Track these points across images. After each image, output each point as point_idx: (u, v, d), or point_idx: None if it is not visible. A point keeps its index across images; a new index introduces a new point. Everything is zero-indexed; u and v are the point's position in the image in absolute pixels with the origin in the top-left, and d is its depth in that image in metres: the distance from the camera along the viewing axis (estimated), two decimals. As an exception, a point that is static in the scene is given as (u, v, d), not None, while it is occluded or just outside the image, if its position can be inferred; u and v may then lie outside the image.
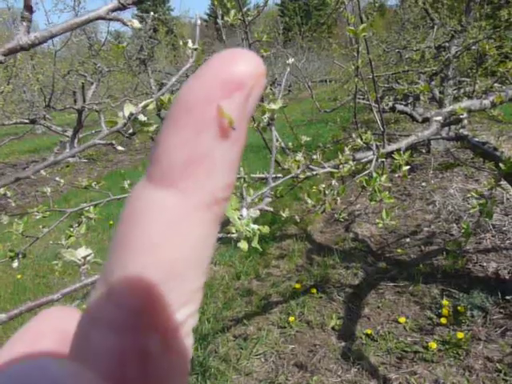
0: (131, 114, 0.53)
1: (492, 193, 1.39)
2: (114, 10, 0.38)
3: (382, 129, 1.40)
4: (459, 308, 2.16)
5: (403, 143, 1.51)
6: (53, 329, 0.17)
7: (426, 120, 2.09)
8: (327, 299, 2.48)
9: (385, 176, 1.19)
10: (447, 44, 4.26)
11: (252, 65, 0.14)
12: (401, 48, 5.11)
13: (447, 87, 4.31)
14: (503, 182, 1.42)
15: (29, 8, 0.37)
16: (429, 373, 1.83)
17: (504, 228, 2.91)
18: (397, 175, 1.30)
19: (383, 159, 1.34)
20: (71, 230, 1.19)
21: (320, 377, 1.88)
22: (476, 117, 5.32)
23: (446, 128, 2.07)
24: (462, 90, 4.18)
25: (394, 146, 1.48)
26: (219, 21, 1.08)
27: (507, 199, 3.32)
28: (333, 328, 2.21)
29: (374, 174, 1.18)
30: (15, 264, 1.02)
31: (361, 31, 1.01)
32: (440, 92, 4.38)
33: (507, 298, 2.20)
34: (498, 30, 3.63)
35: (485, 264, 2.57)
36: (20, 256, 1.03)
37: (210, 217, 0.14)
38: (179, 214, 0.14)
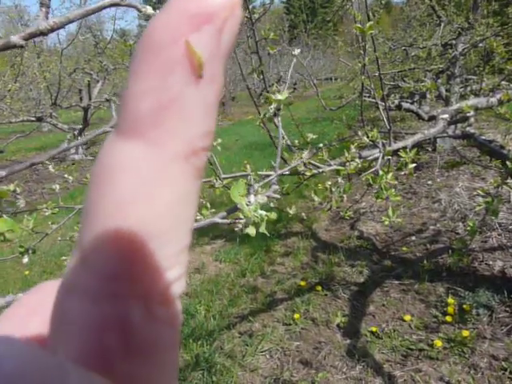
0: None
1: (498, 191, 1.39)
2: None
3: (388, 127, 1.40)
4: (465, 306, 2.16)
5: (409, 141, 1.51)
6: (45, 304, 0.15)
7: (432, 118, 2.09)
8: (332, 297, 2.49)
9: (391, 174, 1.20)
10: (454, 41, 4.24)
11: None
12: (407, 45, 5.10)
13: (454, 85, 4.29)
14: (510, 181, 1.41)
15: None
16: (434, 370, 1.84)
17: (510, 226, 2.90)
18: (403, 173, 1.30)
19: (389, 157, 1.34)
20: (79, 226, 1.20)
21: (325, 374, 1.88)
22: (483, 115, 5.29)
23: (453, 126, 2.07)
24: (468, 88, 4.16)
25: (400, 144, 1.48)
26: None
27: (514, 198, 3.30)
28: (338, 325, 2.22)
29: (380, 172, 1.18)
30: (25, 260, 1.04)
31: (368, 29, 1.01)
32: (446, 90, 4.36)
33: (513, 296, 2.19)
34: (505, 27, 3.61)
35: (491, 262, 2.56)
36: (30, 252, 1.05)
37: (188, 169, 0.13)
38: (153, 167, 0.12)
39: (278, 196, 0.73)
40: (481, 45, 3.76)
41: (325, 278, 2.68)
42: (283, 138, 0.94)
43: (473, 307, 2.16)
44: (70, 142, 0.62)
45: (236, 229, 0.92)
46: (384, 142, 1.38)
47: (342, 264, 2.84)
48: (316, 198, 1.13)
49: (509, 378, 1.74)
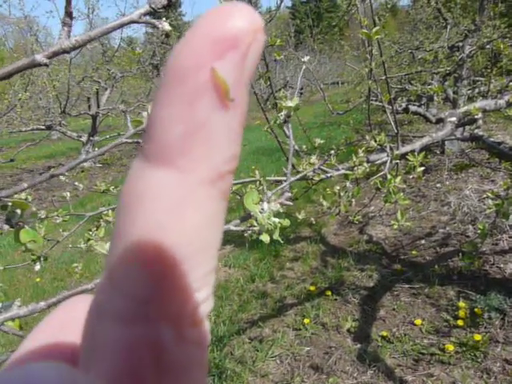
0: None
1: (508, 193, 1.38)
2: (145, 14, 0.40)
3: (395, 130, 1.40)
4: (476, 310, 2.14)
5: (417, 144, 1.51)
6: (76, 319, 0.16)
7: (440, 120, 2.08)
8: (342, 301, 2.48)
9: (399, 177, 1.20)
10: (461, 44, 4.22)
11: (247, 19, 0.12)
12: (413, 48, 5.09)
13: (461, 87, 4.27)
14: (520, 182, 1.41)
15: (69, 14, 0.39)
16: (446, 375, 1.82)
17: (521, 229, 2.87)
18: (411, 177, 1.30)
19: (397, 161, 1.34)
20: (90, 233, 1.22)
21: (336, 379, 1.87)
22: (491, 116, 5.25)
23: (461, 128, 2.06)
24: (476, 90, 4.14)
25: (408, 148, 1.48)
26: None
27: (524, 200, 3.27)
28: (348, 330, 2.21)
29: (389, 176, 1.18)
30: (37, 267, 1.05)
31: (374, 34, 1.02)
32: (454, 92, 4.34)
33: (525, 299, 2.17)
34: (512, 29, 3.59)
35: (502, 265, 2.54)
36: (42, 259, 1.06)
37: (215, 193, 0.13)
38: (181, 194, 0.12)
39: (291, 203, 0.74)
40: (488, 46, 3.74)
41: (334, 283, 2.67)
42: (293, 145, 0.95)
43: (484, 311, 2.13)
44: (87, 154, 0.63)
45: (246, 234, 0.93)
46: (392, 145, 1.38)
47: (352, 268, 2.83)
48: (324, 203, 1.13)
49: (523, 382, 1.72)
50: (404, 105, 3.00)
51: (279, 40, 1.27)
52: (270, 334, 2.26)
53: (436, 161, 4.86)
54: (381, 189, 1.16)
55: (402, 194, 1.14)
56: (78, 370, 0.12)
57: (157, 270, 0.12)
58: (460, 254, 2.69)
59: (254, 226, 0.64)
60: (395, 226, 1.18)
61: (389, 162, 1.28)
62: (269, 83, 1.33)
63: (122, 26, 0.40)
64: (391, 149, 1.35)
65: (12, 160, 3.98)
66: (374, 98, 2.88)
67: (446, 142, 4.70)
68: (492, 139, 1.92)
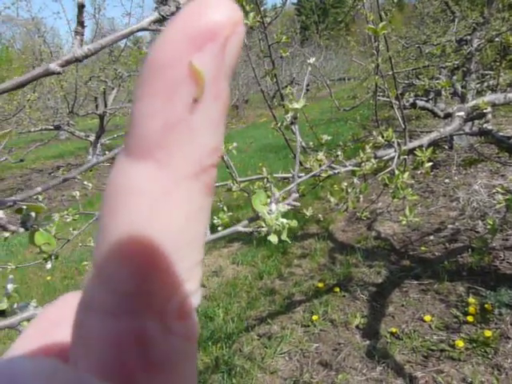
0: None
1: (518, 188, 1.36)
2: (155, 22, 0.40)
3: (403, 126, 1.39)
4: (486, 306, 2.12)
5: (425, 140, 1.50)
6: (68, 316, 0.15)
7: (448, 115, 2.07)
8: (351, 298, 2.48)
9: (407, 173, 1.19)
10: (469, 37, 4.17)
11: (225, 12, 0.12)
12: (421, 43, 5.04)
13: (470, 81, 4.23)
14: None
15: (81, 24, 0.40)
16: (456, 371, 1.81)
17: (532, 224, 2.85)
18: (419, 172, 1.29)
19: (405, 156, 1.33)
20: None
21: (345, 375, 1.88)
22: (501, 110, 5.20)
23: (470, 123, 2.04)
24: (485, 84, 4.10)
25: (415, 143, 1.47)
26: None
27: (534, 194, 3.24)
28: (357, 326, 2.21)
29: (396, 172, 1.18)
30: (48, 265, 1.06)
31: (380, 29, 1.01)
32: (462, 86, 4.30)
33: (536, 295, 2.15)
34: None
35: (512, 261, 2.52)
36: (53, 258, 1.07)
37: (198, 187, 0.13)
38: (164, 188, 0.12)
39: (298, 204, 0.74)
40: (497, 39, 3.70)
41: (343, 279, 2.67)
42: (300, 142, 0.95)
43: (495, 307, 2.12)
44: (97, 157, 0.64)
45: (254, 234, 0.93)
46: (399, 141, 1.38)
47: (360, 265, 2.82)
48: (332, 199, 1.13)
49: (534, 378, 1.71)
50: (411, 100, 2.98)
51: (285, 37, 1.27)
52: (278, 330, 2.26)
53: (444, 156, 4.82)
54: (388, 185, 1.16)
55: (410, 189, 1.13)
56: (66, 364, 0.12)
57: (141, 264, 0.12)
58: (470, 250, 2.67)
59: (263, 227, 0.64)
60: (404, 222, 1.18)
61: (396, 157, 1.28)
62: (275, 80, 1.33)
63: (132, 33, 0.41)
64: (399, 144, 1.34)
65: (22, 160, 4.03)
66: (381, 94, 2.86)
67: (455, 137, 4.67)
68: (501, 133, 1.90)
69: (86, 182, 1.24)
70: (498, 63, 3.35)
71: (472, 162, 3.33)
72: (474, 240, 2.67)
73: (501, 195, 1.45)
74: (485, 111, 1.75)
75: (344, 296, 2.50)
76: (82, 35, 0.41)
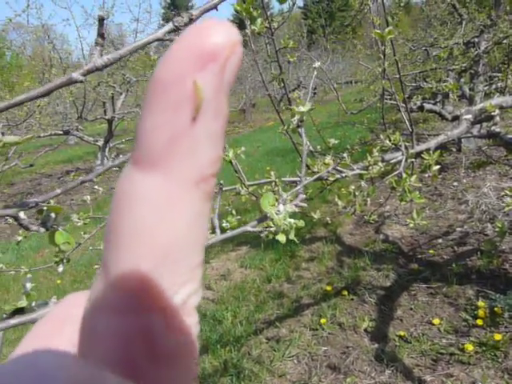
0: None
1: (526, 190, 1.36)
2: (169, 32, 0.42)
3: (410, 129, 1.40)
4: (496, 309, 2.11)
5: (432, 143, 1.50)
6: (75, 315, 0.16)
7: (456, 118, 2.06)
8: (359, 301, 2.47)
9: (414, 176, 1.20)
10: (476, 39, 4.16)
11: (225, 35, 0.13)
12: (428, 46, 5.03)
13: (477, 84, 4.22)
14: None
15: (101, 35, 0.42)
16: (466, 375, 1.80)
17: (541, 226, 2.82)
18: (427, 175, 1.29)
19: (412, 159, 1.33)
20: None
21: (354, 378, 1.87)
22: (509, 113, 5.16)
23: (478, 125, 2.03)
24: (493, 86, 4.08)
25: (423, 146, 1.47)
26: (247, 30, 1.12)
27: (544, 197, 3.21)
28: (365, 330, 2.20)
29: (404, 175, 1.18)
30: (60, 268, 1.08)
31: (387, 34, 1.02)
32: (470, 89, 4.28)
33: (547, 298, 2.13)
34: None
35: (522, 264, 2.50)
36: (64, 261, 1.09)
37: (199, 194, 0.14)
38: (167, 195, 0.13)
39: (305, 205, 0.75)
40: (504, 42, 3.69)
41: (351, 283, 2.66)
42: (306, 145, 0.96)
43: (505, 310, 2.10)
44: (114, 161, 0.66)
45: (262, 235, 0.94)
46: (407, 144, 1.38)
47: (368, 268, 2.81)
48: (340, 203, 1.14)
49: (545, 382, 1.69)
50: (419, 103, 2.98)
51: (292, 42, 1.28)
52: (286, 334, 2.27)
53: (453, 159, 4.80)
54: (396, 188, 1.16)
55: (417, 192, 1.14)
56: (87, 362, 0.13)
57: (146, 266, 0.13)
58: (479, 253, 2.65)
59: (271, 227, 0.66)
60: (411, 225, 1.18)
61: (404, 160, 1.28)
62: (282, 85, 1.34)
63: (147, 43, 0.43)
64: (406, 147, 1.34)
65: (31, 165, 4.07)
66: (388, 97, 2.86)
67: (463, 140, 4.64)
68: (510, 136, 1.90)
69: (96, 187, 1.26)
70: (505, 65, 3.33)
71: (480, 165, 3.32)
72: (482, 243, 2.66)
73: (510, 198, 1.45)
74: (493, 114, 1.75)
75: (352, 299, 2.49)
76: (102, 46, 0.43)
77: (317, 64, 1.10)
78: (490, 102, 1.77)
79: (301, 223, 0.66)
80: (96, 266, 1.48)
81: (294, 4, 1.16)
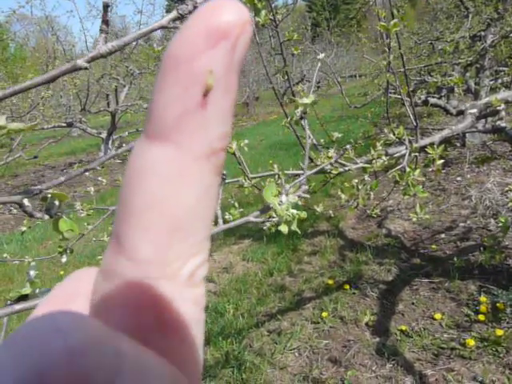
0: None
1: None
2: (174, 20, 0.42)
3: (414, 123, 1.39)
4: (498, 305, 2.11)
5: (437, 137, 1.49)
6: (82, 291, 0.16)
7: (461, 113, 2.05)
8: (360, 295, 2.48)
9: (418, 170, 1.19)
10: (483, 33, 4.12)
11: (236, 14, 0.14)
12: (433, 39, 4.99)
13: (483, 78, 4.18)
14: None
15: (106, 22, 0.42)
16: (467, 370, 1.81)
17: (545, 222, 2.81)
18: (430, 169, 1.29)
19: (416, 154, 1.33)
20: (115, 219, 1.25)
21: (354, 372, 1.88)
22: (514, 108, 5.12)
23: (483, 120, 2.02)
24: (499, 81, 4.05)
25: (427, 141, 1.46)
26: (252, 22, 1.11)
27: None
28: (366, 324, 2.21)
29: (407, 169, 1.18)
30: (64, 259, 1.08)
31: (392, 27, 1.01)
32: (475, 83, 4.25)
33: (549, 294, 2.13)
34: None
35: (525, 259, 2.49)
36: (68, 251, 1.09)
37: (209, 167, 0.14)
38: (178, 167, 0.14)
39: (308, 196, 0.75)
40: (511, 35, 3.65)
41: (352, 277, 2.67)
42: (309, 137, 0.95)
43: (507, 305, 2.10)
44: (117, 149, 0.66)
45: (264, 227, 0.94)
46: (411, 138, 1.37)
47: (370, 262, 2.82)
48: (343, 196, 1.13)
49: (546, 377, 1.70)
50: (423, 97, 2.96)
51: (296, 35, 1.27)
52: (288, 326, 2.27)
53: (457, 154, 4.78)
54: (399, 182, 1.16)
55: (420, 186, 1.13)
56: (102, 324, 0.13)
57: (156, 237, 0.14)
58: (481, 248, 2.65)
59: (273, 218, 0.66)
60: (414, 219, 1.18)
61: (407, 154, 1.28)
62: (286, 77, 1.34)
63: (152, 31, 0.42)
64: (410, 142, 1.34)
65: (35, 157, 4.07)
66: (393, 91, 2.84)
67: (467, 135, 4.62)
68: (514, 131, 1.88)
69: (100, 178, 1.26)
70: (512, 60, 3.30)
71: (485, 160, 3.30)
72: (485, 238, 2.65)
73: (513, 193, 1.44)
74: (498, 108, 1.74)
75: (354, 293, 2.50)
76: (107, 33, 0.42)
77: (321, 55, 1.09)
78: (496, 96, 1.76)
79: (303, 214, 0.67)
80: (99, 257, 1.49)
81: (298, -5, 1.16)
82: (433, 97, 3.15)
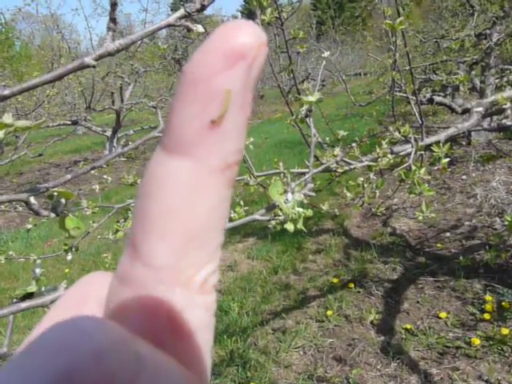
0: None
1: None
2: (181, 18, 0.42)
3: (420, 121, 1.38)
4: (504, 303, 2.10)
5: (442, 135, 1.49)
6: (94, 295, 0.17)
7: (466, 111, 2.04)
8: (365, 294, 2.47)
9: (424, 169, 1.19)
10: (488, 31, 4.10)
11: (253, 36, 0.14)
12: (439, 37, 4.96)
13: (489, 76, 4.16)
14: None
15: (113, 20, 0.42)
16: (472, 369, 1.80)
17: (551, 221, 2.79)
18: (436, 168, 1.28)
19: (422, 152, 1.32)
20: (119, 224, 1.25)
21: (359, 370, 1.88)
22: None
23: (488, 118, 2.01)
24: (504, 79, 4.02)
25: (432, 139, 1.46)
26: (258, 20, 1.11)
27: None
28: (371, 322, 2.21)
29: (413, 167, 1.17)
30: (69, 257, 1.09)
31: (398, 24, 1.01)
32: (481, 81, 4.23)
33: (555, 293, 2.12)
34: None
35: (531, 258, 2.48)
36: (73, 249, 1.10)
37: (223, 181, 0.15)
38: (194, 180, 0.15)
39: (313, 194, 0.75)
40: (517, 34, 3.63)
41: (357, 275, 2.66)
42: (314, 135, 0.95)
43: (512, 304, 2.10)
44: (123, 147, 0.66)
45: (269, 226, 0.94)
46: (416, 136, 1.37)
47: (375, 261, 2.81)
48: (348, 194, 1.13)
49: (551, 377, 1.69)
50: (429, 95, 2.95)
51: (302, 33, 1.27)
52: (293, 325, 2.28)
53: (462, 152, 4.75)
54: (405, 180, 1.16)
55: (426, 185, 1.13)
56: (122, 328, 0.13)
57: (170, 244, 0.15)
58: (487, 247, 2.64)
59: (279, 216, 0.66)
60: (420, 217, 1.17)
61: (413, 153, 1.27)
62: (292, 75, 1.33)
63: (160, 29, 0.43)
64: (415, 140, 1.33)
65: (41, 155, 4.10)
66: (398, 89, 2.83)
67: (473, 133, 4.59)
68: (521, 129, 1.87)
69: (105, 176, 1.27)
70: (518, 58, 3.28)
71: (490, 158, 3.27)
72: (491, 237, 2.64)
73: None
74: (504, 107, 1.72)
75: (359, 292, 2.50)
76: (114, 31, 0.43)
77: (326, 53, 1.09)
78: (502, 94, 1.75)
79: (309, 212, 0.67)
80: (104, 255, 1.50)
81: (304, -7, 1.15)
82: (438, 95, 3.13)
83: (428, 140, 1.40)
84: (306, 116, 1.01)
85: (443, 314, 2.14)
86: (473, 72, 4.35)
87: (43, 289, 0.66)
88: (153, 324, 0.15)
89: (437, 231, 3.09)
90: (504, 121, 1.87)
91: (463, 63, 4.23)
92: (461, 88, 3.37)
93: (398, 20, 1.02)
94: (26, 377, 0.11)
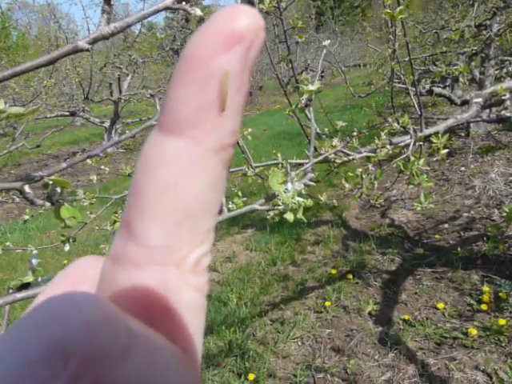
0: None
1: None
2: (178, 1, 0.41)
3: (419, 112, 1.38)
4: (501, 294, 2.11)
5: (441, 126, 1.48)
6: (86, 277, 0.17)
7: (466, 102, 2.03)
8: (363, 285, 2.48)
9: (422, 160, 1.18)
10: (488, 22, 4.07)
11: (251, 20, 0.14)
12: (438, 28, 4.93)
13: (488, 67, 4.14)
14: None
15: (108, 2, 0.41)
16: (469, 359, 1.82)
17: (549, 213, 2.80)
18: (435, 159, 1.28)
19: (421, 143, 1.32)
20: (116, 215, 1.25)
21: (357, 361, 1.89)
22: (520, 97, 5.07)
23: (487, 110, 2.00)
24: (504, 70, 4.00)
25: (431, 130, 1.45)
26: (256, 9, 1.10)
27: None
28: (369, 313, 2.22)
29: (412, 158, 1.17)
30: (67, 248, 1.09)
31: (398, 14, 1.00)
32: (480, 73, 4.21)
33: (552, 284, 2.13)
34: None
35: (528, 250, 2.49)
36: (71, 240, 1.10)
37: (217, 162, 0.15)
38: (190, 160, 0.15)
39: (314, 183, 0.75)
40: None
41: (356, 266, 2.67)
42: (313, 125, 0.95)
43: (509, 295, 2.11)
44: (120, 136, 0.66)
45: (268, 217, 0.94)
46: (415, 127, 1.36)
47: (373, 252, 2.82)
48: (347, 185, 1.13)
49: (547, 367, 1.70)
50: (428, 86, 2.93)
51: (301, 22, 1.26)
52: (291, 316, 2.29)
53: (460, 143, 4.75)
54: (404, 171, 1.15)
55: (425, 176, 1.13)
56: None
57: (166, 223, 0.15)
58: (485, 238, 2.64)
59: (279, 206, 0.66)
60: (418, 209, 1.17)
61: (412, 144, 1.27)
62: (290, 66, 1.32)
63: (157, 12, 0.42)
64: (414, 131, 1.33)
65: (38, 146, 4.08)
66: (397, 80, 2.82)
67: (472, 124, 4.59)
68: (520, 120, 1.86)
69: (103, 167, 1.26)
70: (518, 48, 3.26)
71: (489, 150, 3.27)
72: (489, 228, 2.65)
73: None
74: (503, 98, 1.72)
75: (357, 283, 2.51)
76: (109, 14, 0.42)
77: (326, 42, 1.08)
78: (501, 85, 1.74)
79: (309, 202, 0.66)
80: (102, 246, 1.50)
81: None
82: (437, 86, 3.12)
83: (427, 131, 1.39)
84: (306, 105, 1.00)
85: (441, 305, 2.15)
86: (472, 63, 4.33)
87: (40, 279, 0.66)
88: (144, 303, 0.15)
89: (435, 222, 3.10)
90: (503, 112, 1.86)
91: (463, 54, 4.20)
92: (460, 79, 3.35)
93: (398, 9, 1.01)
94: (18, 346, 0.11)
